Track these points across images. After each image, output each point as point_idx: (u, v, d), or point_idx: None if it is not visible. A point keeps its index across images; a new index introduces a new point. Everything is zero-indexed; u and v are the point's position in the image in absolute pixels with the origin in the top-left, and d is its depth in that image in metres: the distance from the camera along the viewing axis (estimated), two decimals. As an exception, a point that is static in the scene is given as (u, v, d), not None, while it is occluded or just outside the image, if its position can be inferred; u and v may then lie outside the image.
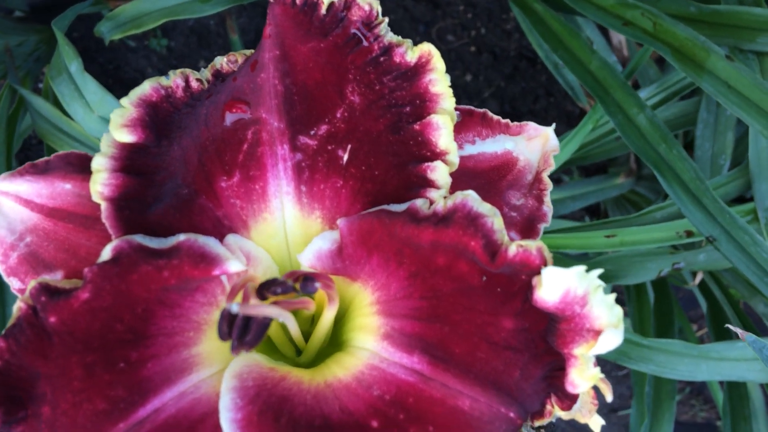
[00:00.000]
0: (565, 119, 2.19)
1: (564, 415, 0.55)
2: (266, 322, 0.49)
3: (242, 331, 0.48)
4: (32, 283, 0.54)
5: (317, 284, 0.50)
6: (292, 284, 0.50)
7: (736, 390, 1.37)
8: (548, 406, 0.55)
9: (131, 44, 2.00)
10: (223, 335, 0.48)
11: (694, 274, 1.62)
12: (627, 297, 1.72)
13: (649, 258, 1.48)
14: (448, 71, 0.59)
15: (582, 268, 0.50)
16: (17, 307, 0.54)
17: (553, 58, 1.68)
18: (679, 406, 2.36)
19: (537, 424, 0.56)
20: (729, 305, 1.50)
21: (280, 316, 0.50)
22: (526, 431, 0.64)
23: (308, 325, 0.64)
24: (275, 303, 0.52)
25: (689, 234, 1.27)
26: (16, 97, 1.40)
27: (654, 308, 1.65)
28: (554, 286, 0.50)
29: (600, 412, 0.62)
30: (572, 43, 1.30)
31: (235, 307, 0.45)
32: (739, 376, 1.22)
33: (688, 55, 1.18)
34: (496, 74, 2.15)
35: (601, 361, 2.43)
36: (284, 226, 0.61)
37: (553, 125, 0.63)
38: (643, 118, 1.26)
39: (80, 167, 0.60)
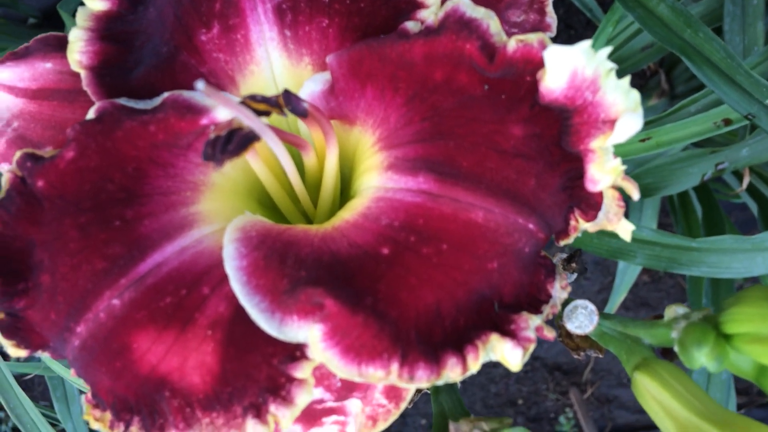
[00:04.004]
0: (588, 50, 2.12)
1: (590, 227, 0.50)
2: (250, 135, 0.46)
3: (225, 142, 0.45)
4: (18, 154, 0.52)
5: (304, 103, 0.47)
6: (276, 100, 0.47)
7: (797, 281, 1.29)
8: (572, 222, 0.50)
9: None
10: (207, 156, 0.46)
11: (740, 180, 1.54)
12: (672, 212, 1.65)
13: (690, 162, 1.42)
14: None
15: (587, 42, 0.45)
16: (5, 178, 0.52)
17: (566, -20, 1.63)
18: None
19: (563, 242, 0.52)
20: (781, 201, 1.42)
21: (264, 133, 0.47)
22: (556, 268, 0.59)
23: (316, 192, 0.61)
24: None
25: (727, 122, 1.20)
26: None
27: (702, 221, 1.58)
28: (559, 67, 0.46)
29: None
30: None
31: (197, 89, 0.41)
32: (799, 262, 1.15)
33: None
34: (512, 14, 2.10)
35: (657, 298, 2.35)
36: (274, 78, 0.58)
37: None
38: (664, 7, 1.20)
39: (59, 46, 0.58)
